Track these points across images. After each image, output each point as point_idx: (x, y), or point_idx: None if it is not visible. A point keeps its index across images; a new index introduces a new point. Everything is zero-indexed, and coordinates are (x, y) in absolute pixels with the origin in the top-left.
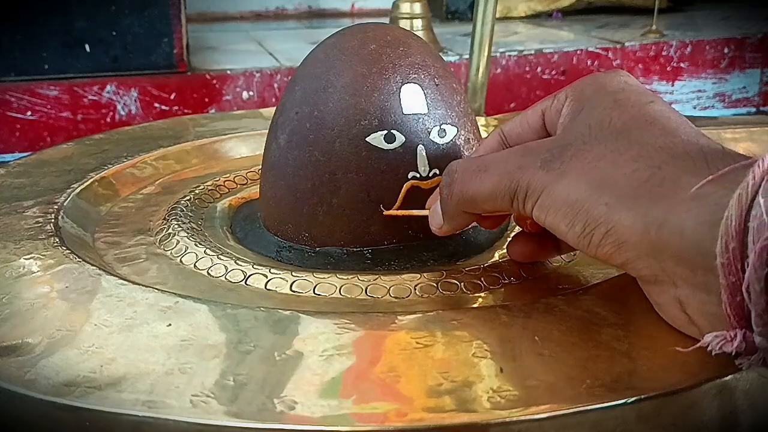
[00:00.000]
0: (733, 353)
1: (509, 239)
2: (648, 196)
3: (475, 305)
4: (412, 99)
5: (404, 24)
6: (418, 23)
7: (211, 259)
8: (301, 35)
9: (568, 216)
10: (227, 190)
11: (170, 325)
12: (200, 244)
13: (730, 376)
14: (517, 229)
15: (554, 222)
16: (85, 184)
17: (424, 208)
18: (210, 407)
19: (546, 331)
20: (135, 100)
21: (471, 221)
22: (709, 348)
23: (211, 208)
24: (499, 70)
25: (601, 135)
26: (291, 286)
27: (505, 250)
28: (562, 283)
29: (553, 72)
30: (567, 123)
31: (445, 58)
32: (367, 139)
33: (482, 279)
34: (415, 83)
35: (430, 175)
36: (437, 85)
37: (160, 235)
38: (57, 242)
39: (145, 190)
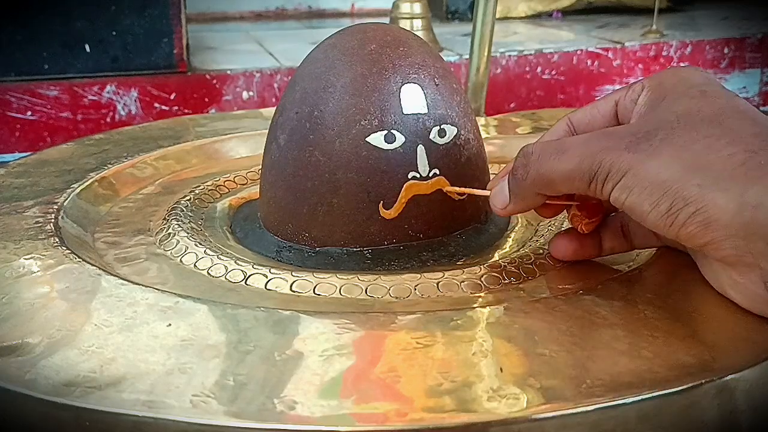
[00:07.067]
0: None
1: (545, 239)
2: (745, 178)
3: (475, 305)
4: (412, 99)
5: (404, 24)
6: (418, 23)
7: (211, 259)
8: (301, 35)
9: (654, 195)
10: (227, 190)
11: (170, 325)
12: (200, 244)
13: (730, 376)
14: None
15: (636, 201)
16: (85, 184)
17: (423, 209)
18: (210, 407)
19: (546, 331)
20: (135, 100)
21: (539, 204)
22: None
23: (211, 208)
24: (499, 70)
25: (692, 122)
26: (291, 286)
27: (505, 250)
28: (562, 283)
29: (553, 72)
30: (645, 112)
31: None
32: (367, 139)
33: (482, 279)
34: (415, 83)
35: (430, 175)
36: (437, 85)
37: (160, 235)
38: (57, 242)
39: (145, 190)
